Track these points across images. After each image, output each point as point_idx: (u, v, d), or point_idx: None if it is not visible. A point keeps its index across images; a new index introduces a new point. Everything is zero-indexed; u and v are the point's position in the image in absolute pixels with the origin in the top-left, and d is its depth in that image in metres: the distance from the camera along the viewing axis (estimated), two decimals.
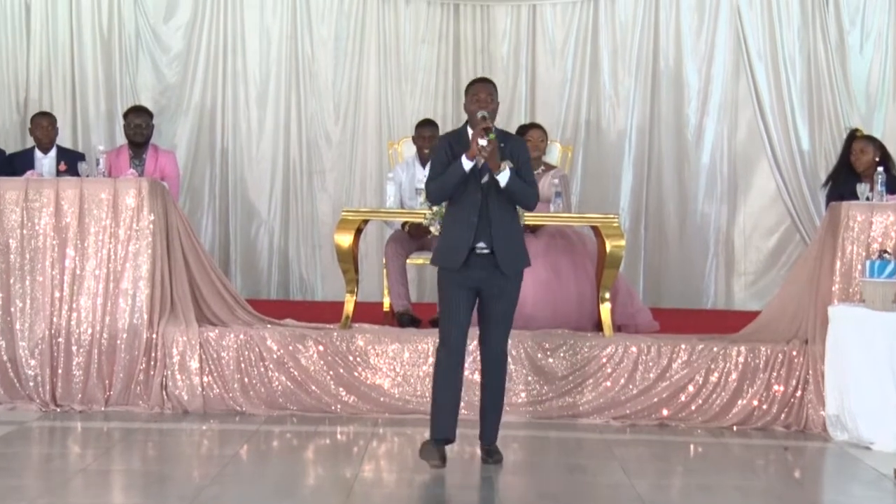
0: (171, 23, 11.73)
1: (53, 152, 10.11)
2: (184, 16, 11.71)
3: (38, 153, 10.13)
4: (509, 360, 8.41)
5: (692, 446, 8.00)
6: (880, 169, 8.80)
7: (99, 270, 8.61)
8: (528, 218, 8.97)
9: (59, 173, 9.30)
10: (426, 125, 9.81)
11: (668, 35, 11.55)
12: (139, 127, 10.15)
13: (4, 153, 10.23)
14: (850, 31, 11.40)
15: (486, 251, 6.79)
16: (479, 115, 6.77)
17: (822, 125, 11.36)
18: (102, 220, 8.63)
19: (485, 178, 6.78)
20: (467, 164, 6.72)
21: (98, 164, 9.01)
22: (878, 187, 8.62)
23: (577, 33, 11.59)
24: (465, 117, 7.02)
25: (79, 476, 6.81)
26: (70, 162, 9.53)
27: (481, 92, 6.89)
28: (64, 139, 10.82)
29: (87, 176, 8.83)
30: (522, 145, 7.06)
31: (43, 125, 10.17)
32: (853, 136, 9.65)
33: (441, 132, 9.37)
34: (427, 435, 6.99)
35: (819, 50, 11.37)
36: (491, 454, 7.06)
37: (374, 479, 6.99)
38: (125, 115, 10.32)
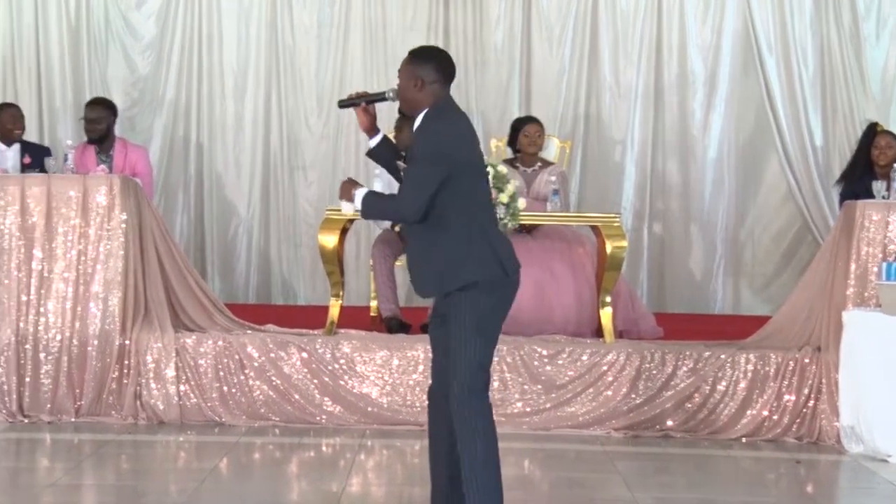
0: (144, 9, 11.76)
1: (17, 146, 10.07)
2: (156, 1, 11.73)
3: (1, 146, 10.10)
4: (503, 366, 8.50)
5: (698, 459, 8.06)
6: None
7: (68, 273, 8.62)
8: (524, 217, 9.05)
9: (23, 168, 9.32)
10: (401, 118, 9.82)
11: (672, 22, 11.60)
12: (93, 122, 9.87)
13: None
14: (865, 20, 11.47)
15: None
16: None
17: (836, 119, 11.42)
18: (71, 220, 8.64)
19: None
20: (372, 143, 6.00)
21: (66, 159, 9.01)
22: (895, 184, 8.70)
23: (576, 20, 11.63)
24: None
25: (48, 491, 6.82)
26: (35, 156, 9.54)
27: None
28: (29, 133, 10.82)
29: (55, 172, 8.85)
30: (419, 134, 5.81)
31: (9, 116, 10.11)
32: (873, 130, 9.69)
33: None
34: (417, 448, 6.97)
35: (832, 40, 11.43)
36: None
37: (362, 493, 7.02)
38: (85, 107, 10.14)
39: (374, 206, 5.77)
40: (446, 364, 5.61)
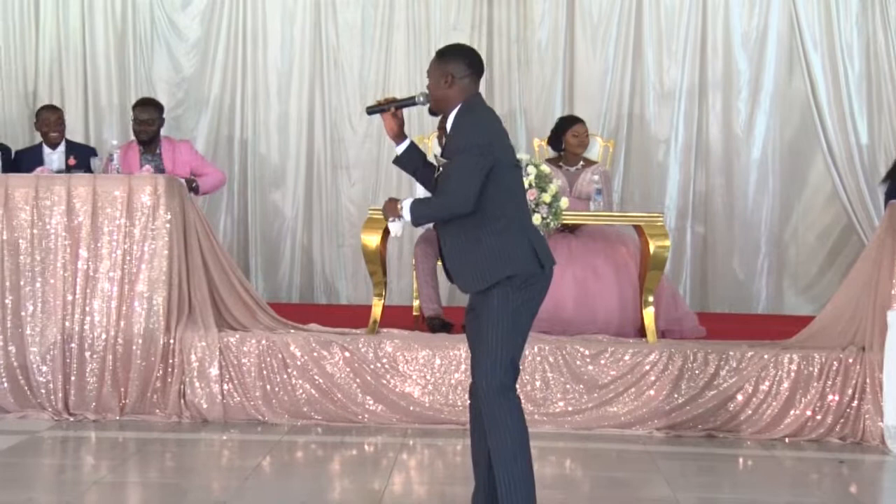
0: (189, 9, 11.83)
1: (62, 147, 10.14)
2: (201, 2, 11.80)
3: (46, 149, 10.18)
4: (545, 366, 8.53)
5: (741, 459, 8.04)
6: None
7: (113, 272, 8.69)
8: (567, 217, 9.06)
9: (68, 168, 9.41)
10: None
11: (717, 20, 11.57)
12: (145, 123, 9.96)
13: (11, 151, 10.28)
14: None
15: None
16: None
17: (882, 118, 11.37)
18: (117, 219, 8.71)
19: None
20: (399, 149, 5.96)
21: (112, 159, 9.10)
22: None
23: (619, 18, 11.62)
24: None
25: (93, 489, 6.90)
26: (81, 156, 9.63)
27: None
28: (75, 133, 10.95)
29: (101, 172, 8.93)
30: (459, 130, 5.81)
31: (50, 120, 10.18)
32: None
33: None
34: (459, 447, 6.99)
35: (879, 38, 11.38)
36: None
37: (404, 492, 7.05)
38: (133, 109, 10.22)
39: (424, 211, 5.77)
40: (473, 356, 5.71)
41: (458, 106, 5.77)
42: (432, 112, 5.92)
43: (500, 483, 5.57)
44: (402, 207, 5.78)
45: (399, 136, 5.90)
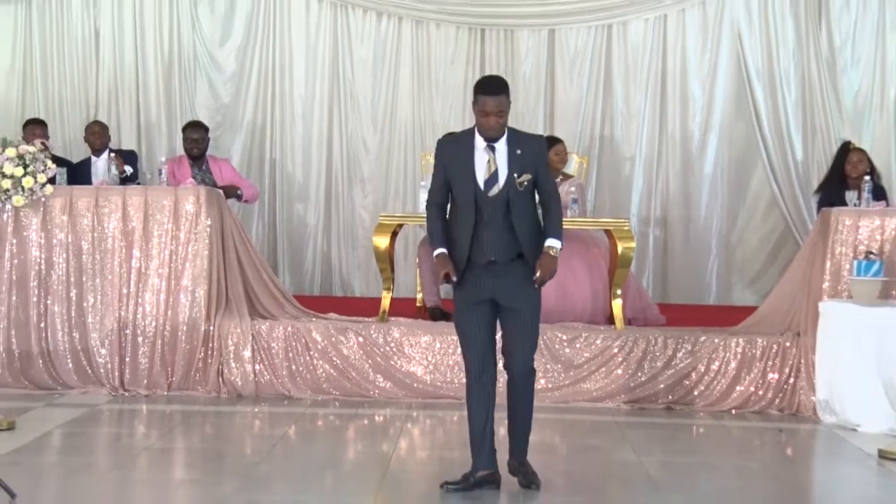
0: (226, 46, 11.81)
1: (105, 154, 10.10)
2: (237, 40, 11.78)
3: (93, 158, 10.17)
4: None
5: (695, 428, 8.06)
6: (867, 178, 8.83)
7: (162, 269, 8.70)
8: None
9: (122, 181, 9.31)
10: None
11: (675, 56, 11.54)
12: (196, 141, 10.08)
13: (72, 163, 10.28)
14: (840, 52, 11.37)
15: (494, 262, 5.82)
16: (444, 282, 5.88)
17: (815, 138, 11.34)
18: (165, 225, 8.72)
19: (492, 192, 5.81)
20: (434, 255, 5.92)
21: (160, 173, 9.12)
22: (865, 194, 8.66)
23: (592, 55, 11.60)
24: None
25: (144, 453, 6.91)
26: (124, 158, 9.64)
27: (488, 104, 5.78)
28: (122, 147, 10.93)
29: (151, 184, 8.94)
30: (543, 148, 6.02)
31: (95, 130, 10.24)
32: (846, 147, 9.65)
33: None
34: (455, 418, 6.98)
35: (812, 69, 11.35)
36: (529, 478, 5.99)
37: (408, 455, 7.08)
38: (183, 130, 10.29)
39: (559, 229, 5.87)
40: (516, 343, 5.88)
41: (507, 130, 5.85)
42: (492, 138, 5.84)
43: (528, 423, 6.05)
44: (557, 249, 5.83)
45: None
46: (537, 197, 5.95)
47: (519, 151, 5.81)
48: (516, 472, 6.05)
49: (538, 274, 5.78)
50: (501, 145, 5.82)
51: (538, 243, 5.86)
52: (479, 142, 5.84)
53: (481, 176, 5.81)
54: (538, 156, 5.89)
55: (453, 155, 5.90)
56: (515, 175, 5.79)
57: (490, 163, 5.80)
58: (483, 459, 5.94)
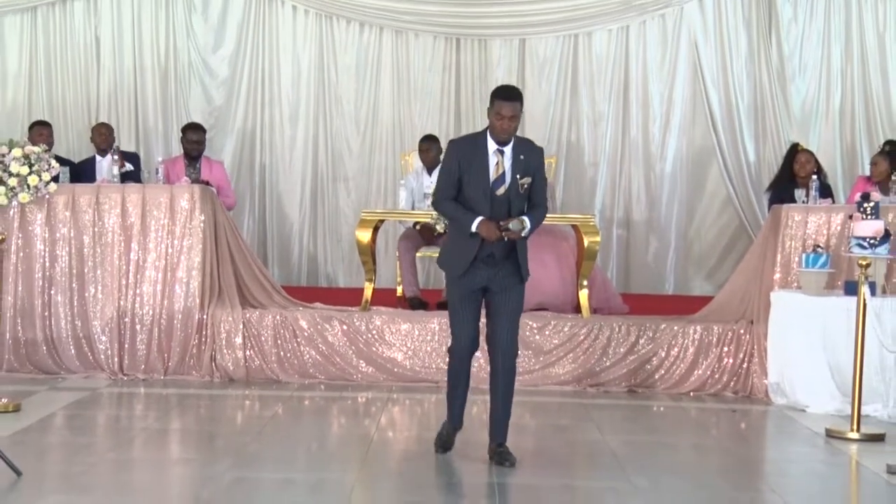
0: (219, 53, 11.73)
1: (110, 154, 10.02)
2: (229, 47, 11.71)
3: (98, 158, 10.06)
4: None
5: (656, 409, 8.06)
6: (814, 177, 8.86)
7: (158, 262, 8.65)
8: None
9: (122, 178, 9.22)
10: (425, 140, 9.86)
11: (637, 65, 11.54)
12: (195, 143, 10.07)
13: (74, 163, 10.19)
14: (789, 61, 11.40)
15: (492, 255, 6.01)
16: (504, 230, 5.92)
17: (766, 140, 11.36)
18: (161, 220, 8.67)
19: (499, 191, 5.99)
20: (473, 229, 5.96)
21: (157, 172, 9.06)
22: (813, 192, 8.69)
23: (560, 63, 11.58)
24: (465, 130, 6.85)
25: (142, 434, 6.87)
26: (127, 159, 9.56)
27: (504, 108, 5.91)
28: (128, 148, 10.84)
29: (148, 182, 8.87)
30: (541, 156, 6.19)
31: (102, 132, 10.16)
32: (795, 149, 9.71)
33: (442, 146, 9.29)
34: (433, 400, 6.97)
35: (763, 77, 11.37)
36: (504, 457, 6.07)
37: (390, 435, 7.05)
38: (183, 131, 10.25)
39: (535, 221, 5.99)
40: (502, 324, 6.00)
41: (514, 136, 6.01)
42: (504, 141, 5.99)
43: (508, 406, 6.09)
44: (526, 227, 5.92)
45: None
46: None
47: (522, 157, 6.01)
48: (496, 455, 6.09)
49: (509, 223, 5.90)
50: (509, 150, 6.01)
51: (526, 244, 6.08)
52: (492, 144, 6.01)
53: (491, 176, 5.99)
54: (538, 163, 6.09)
55: (469, 154, 6.03)
56: (518, 177, 5.98)
57: (499, 164, 5.97)
58: (459, 417, 6.25)
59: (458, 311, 6.09)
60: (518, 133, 6.07)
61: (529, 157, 6.02)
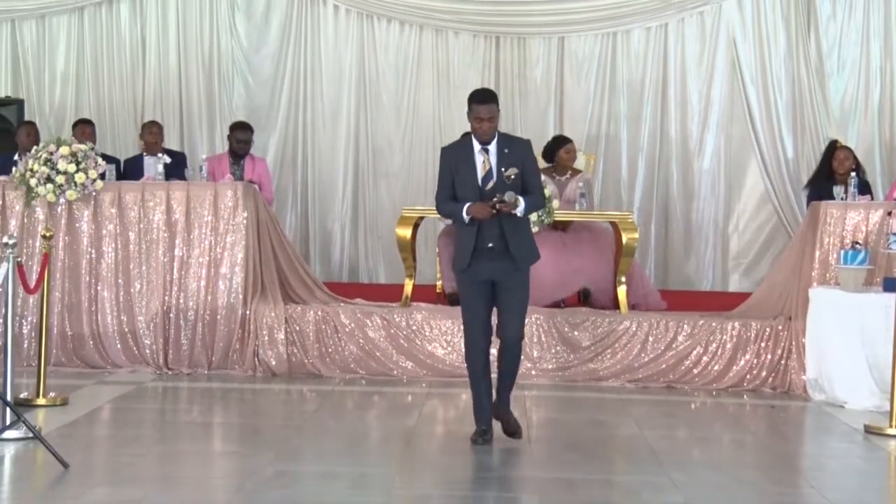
0: (261, 52, 11.76)
1: (159, 153, 10.07)
2: (272, 46, 11.73)
3: (146, 157, 10.04)
4: (540, 332, 8.50)
5: (693, 405, 8.03)
6: (853, 173, 8.80)
7: (202, 258, 8.70)
8: (559, 215, 9.06)
9: (167, 175, 9.27)
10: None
11: (675, 62, 11.47)
12: (243, 143, 10.14)
13: (120, 161, 10.26)
14: (828, 58, 11.30)
15: (492, 247, 6.24)
16: (499, 202, 6.15)
17: (805, 137, 11.27)
18: (205, 217, 8.73)
19: (488, 186, 6.25)
20: (467, 218, 6.24)
21: (201, 170, 9.12)
22: (852, 189, 8.63)
23: (599, 61, 11.53)
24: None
25: (187, 427, 6.94)
26: (173, 158, 9.60)
27: (481, 111, 6.26)
28: (172, 145, 10.90)
29: (193, 180, 8.93)
30: (527, 147, 6.45)
31: (154, 130, 10.20)
32: (834, 146, 9.63)
33: None
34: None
35: (802, 73, 11.28)
36: (508, 424, 6.41)
37: (430, 429, 7.07)
38: (231, 129, 10.31)
39: (529, 204, 6.27)
40: (509, 317, 6.28)
41: (498, 133, 6.33)
42: (486, 141, 6.30)
43: (511, 385, 6.42)
44: (517, 204, 6.16)
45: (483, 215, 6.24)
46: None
47: (506, 150, 6.33)
48: (500, 416, 6.43)
49: (503, 196, 6.14)
50: (493, 147, 6.31)
51: (522, 237, 6.33)
52: (476, 145, 6.36)
53: (479, 174, 6.31)
54: (524, 153, 6.39)
55: (458, 159, 6.41)
56: (503, 169, 6.26)
57: (485, 162, 6.31)
58: (483, 419, 6.41)
59: (468, 303, 6.37)
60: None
61: (513, 150, 6.32)
